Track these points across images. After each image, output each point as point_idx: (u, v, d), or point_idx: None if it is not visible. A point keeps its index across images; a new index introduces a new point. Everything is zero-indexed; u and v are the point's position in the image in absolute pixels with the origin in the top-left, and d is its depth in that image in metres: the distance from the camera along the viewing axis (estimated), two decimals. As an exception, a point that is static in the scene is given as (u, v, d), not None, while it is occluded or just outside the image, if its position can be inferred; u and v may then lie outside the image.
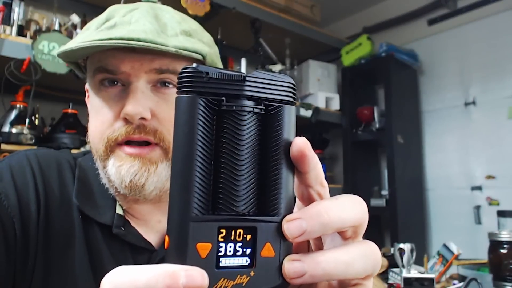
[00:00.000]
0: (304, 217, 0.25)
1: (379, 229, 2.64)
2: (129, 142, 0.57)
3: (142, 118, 0.56)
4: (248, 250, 0.25)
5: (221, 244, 0.24)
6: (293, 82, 0.28)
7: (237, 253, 0.25)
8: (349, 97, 2.68)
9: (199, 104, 0.24)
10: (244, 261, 0.25)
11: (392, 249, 1.61)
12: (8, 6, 1.53)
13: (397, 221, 2.31)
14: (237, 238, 0.25)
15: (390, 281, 1.58)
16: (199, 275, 0.22)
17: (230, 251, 0.25)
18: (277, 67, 2.40)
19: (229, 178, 0.25)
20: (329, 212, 0.26)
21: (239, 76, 0.25)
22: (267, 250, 0.25)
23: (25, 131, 1.54)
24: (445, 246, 1.67)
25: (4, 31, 1.50)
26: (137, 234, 0.62)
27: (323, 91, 2.59)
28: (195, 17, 2.03)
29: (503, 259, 1.31)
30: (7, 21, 1.52)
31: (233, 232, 0.25)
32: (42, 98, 1.77)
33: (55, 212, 0.59)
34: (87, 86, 0.67)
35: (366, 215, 0.28)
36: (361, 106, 2.63)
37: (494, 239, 1.34)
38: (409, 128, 2.54)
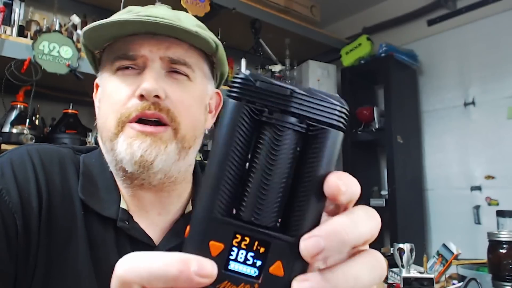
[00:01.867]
0: (322, 235, 0.24)
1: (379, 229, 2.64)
2: (140, 121, 0.60)
3: (157, 96, 0.59)
4: (259, 263, 0.25)
5: (233, 249, 0.25)
6: (346, 107, 0.26)
7: (247, 262, 0.25)
8: (349, 97, 2.68)
9: (242, 112, 0.25)
10: (252, 271, 0.25)
11: (391, 249, 1.61)
12: (9, 7, 1.53)
13: (397, 221, 2.31)
14: (250, 248, 0.25)
15: (389, 281, 1.58)
16: (210, 265, 0.23)
17: (240, 258, 0.25)
18: (277, 67, 2.40)
19: (256, 188, 0.25)
20: (347, 230, 0.24)
21: (287, 91, 0.25)
22: (277, 268, 0.25)
23: (26, 131, 1.54)
24: (444, 246, 1.67)
25: (5, 31, 1.50)
26: (140, 229, 0.63)
27: (323, 91, 2.59)
28: (195, 17, 2.03)
29: (503, 259, 1.31)
30: (7, 21, 1.53)
31: (248, 240, 0.25)
32: (42, 99, 1.77)
33: (57, 207, 0.59)
34: (97, 81, 0.70)
35: (379, 228, 0.28)
36: (361, 106, 2.63)
37: (493, 239, 1.35)
38: (409, 128, 2.55)
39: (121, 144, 0.59)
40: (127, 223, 0.62)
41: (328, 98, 0.26)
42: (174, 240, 0.65)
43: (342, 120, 0.26)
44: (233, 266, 0.24)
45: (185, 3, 1.90)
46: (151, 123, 0.60)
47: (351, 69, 2.69)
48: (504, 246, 1.31)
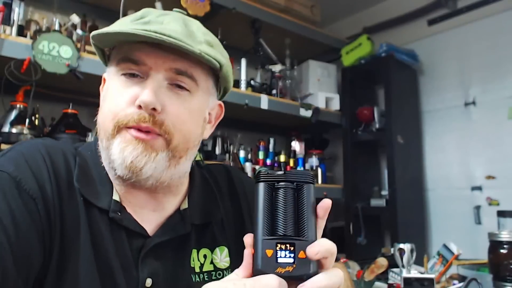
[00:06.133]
0: (318, 247, 0.46)
1: (379, 229, 2.64)
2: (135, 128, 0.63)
3: (154, 109, 0.62)
4: (292, 254, 0.46)
5: (278, 250, 0.46)
6: (311, 173, 0.51)
7: (286, 256, 0.46)
8: (349, 97, 2.68)
9: (265, 187, 0.49)
10: (290, 260, 0.46)
11: (392, 249, 1.61)
12: (8, 6, 1.53)
13: (397, 221, 2.31)
14: (286, 248, 0.46)
15: (390, 281, 1.58)
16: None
17: (282, 254, 0.46)
18: (277, 67, 2.40)
19: (281, 218, 0.48)
20: (325, 247, 0.46)
21: (282, 172, 0.50)
22: (302, 254, 0.46)
23: (25, 131, 1.54)
24: (445, 246, 1.67)
25: (4, 31, 1.50)
26: (132, 220, 0.66)
27: (323, 91, 2.59)
28: (195, 17, 2.03)
29: (503, 259, 1.31)
30: (7, 21, 1.52)
31: (283, 245, 0.47)
32: (42, 98, 1.77)
33: (65, 195, 0.63)
34: (104, 75, 0.72)
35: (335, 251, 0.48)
36: (361, 106, 2.62)
37: (494, 239, 1.34)
38: (409, 128, 2.54)
39: (115, 147, 0.63)
40: (119, 214, 0.65)
41: (301, 171, 0.51)
42: (168, 233, 0.68)
43: (310, 179, 0.50)
44: (280, 260, 0.46)
45: (185, 3, 1.90)
46: (145, 132, 0.63)
47: (352, 69, 2.69)
48: (505, 246, 1.31)
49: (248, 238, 0.48)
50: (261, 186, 0.49)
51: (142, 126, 0.62)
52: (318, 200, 0.50)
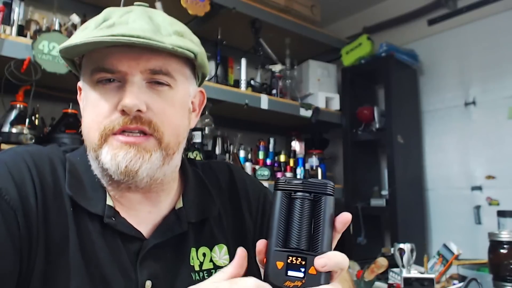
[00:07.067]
0: (325, 259, 0.46)
1: (379, 229, 2.64)
2: (123, 132, 0.61)
3: (138, 110, 0.61)
4: (302, 269, 0.46)
5: (288, 263, 0.46)
6: (332, 183, 0.49)
7: (297, 269, 0.45)
8: (349, 97, 2.67)
9: (282, 195, 0.49)
10: (300, 274, 0.45)
11: (392, 249, 1.61)
12: (8, 6, 1.53)
13: (397, 221, 2.31)
14: (297, 262, 0.46)
15: (390, 281, 1.58)
16: None
17: (293, 268, 0.46)
18: (277, 67, 2.40)
19: (295, 230, 0.47)
20: (334, 261, 0.47)
21: (300, 181, 0.49)
22: (312, 270, 0.45)
23: (25, 131, 1.54)
24: (445, 246, 1.67)
25: (4, 31, 1.50)
26: (127, 224, 0.65)
27: (323, 91, 2.59)
28: (195, 17, 2.03)
29: (503, 259, 1.31)
30: (7, 21, 1.52)
31: (294, 258, 0.46)
32: (42, 98, 1.77)
33: (51, 204, 0.61)
34: (79, 84, 0.70)
35: (347, 263, 0.48)
36: (361, 106, 2.62)
37: (494, 239, 1.34)
38: (409, 128, 2.54)
39: (105, 156, 0.62)
40: (113, 219, 0.64)
41: (321, 181, 0.49)
42: (165, 234, 0.68)
43: (330, 190, 0.48)
44: (290, 273, 0.46)
45: (185, 3, 1.89)
46: (134, 134, 0.62)
47: (352, 69, 2.69)
48: (505, 246, 1.31)
49: (260, 245, 0.48)
50: (278, 194, 0.49)
51: (130, 127, 0.61)
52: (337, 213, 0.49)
